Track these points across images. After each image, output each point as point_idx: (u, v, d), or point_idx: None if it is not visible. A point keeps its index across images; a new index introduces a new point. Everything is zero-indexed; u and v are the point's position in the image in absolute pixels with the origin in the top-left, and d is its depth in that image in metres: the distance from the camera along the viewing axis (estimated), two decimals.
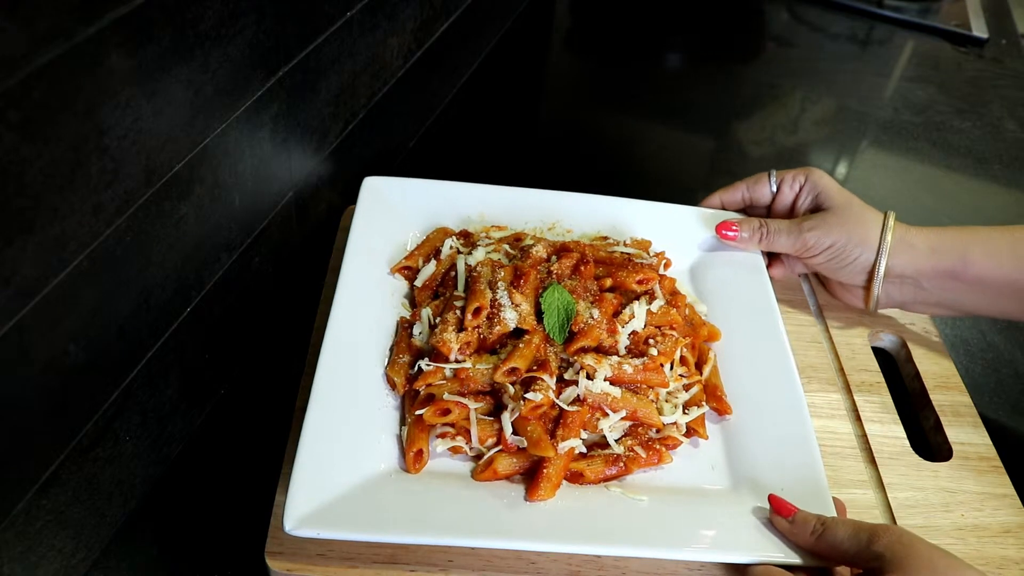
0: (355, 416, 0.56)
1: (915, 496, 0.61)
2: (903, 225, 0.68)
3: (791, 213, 0.75)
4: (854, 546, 0.48)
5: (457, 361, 0.58)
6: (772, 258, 0.76)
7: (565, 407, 0.56)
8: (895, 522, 0.59)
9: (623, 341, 0.61)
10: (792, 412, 0.60)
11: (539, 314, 0.61)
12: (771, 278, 0.72)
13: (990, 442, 0.66)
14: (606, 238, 0.73)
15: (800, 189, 0.73)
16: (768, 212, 0.77)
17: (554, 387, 0.57)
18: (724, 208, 0.78)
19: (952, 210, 1.02)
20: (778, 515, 0.52)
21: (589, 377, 0.58)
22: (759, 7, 1.49)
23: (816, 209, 0.72)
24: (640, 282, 0.66)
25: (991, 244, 0.65)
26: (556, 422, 0.56)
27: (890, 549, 0.47)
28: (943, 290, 0.68)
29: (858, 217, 0.69)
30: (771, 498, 0.53)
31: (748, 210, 0.78)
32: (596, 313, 0.61)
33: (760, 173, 0.76)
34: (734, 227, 0.73)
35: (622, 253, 0.70)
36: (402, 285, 0.68)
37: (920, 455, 0.65)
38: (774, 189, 0.75)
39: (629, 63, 1.27)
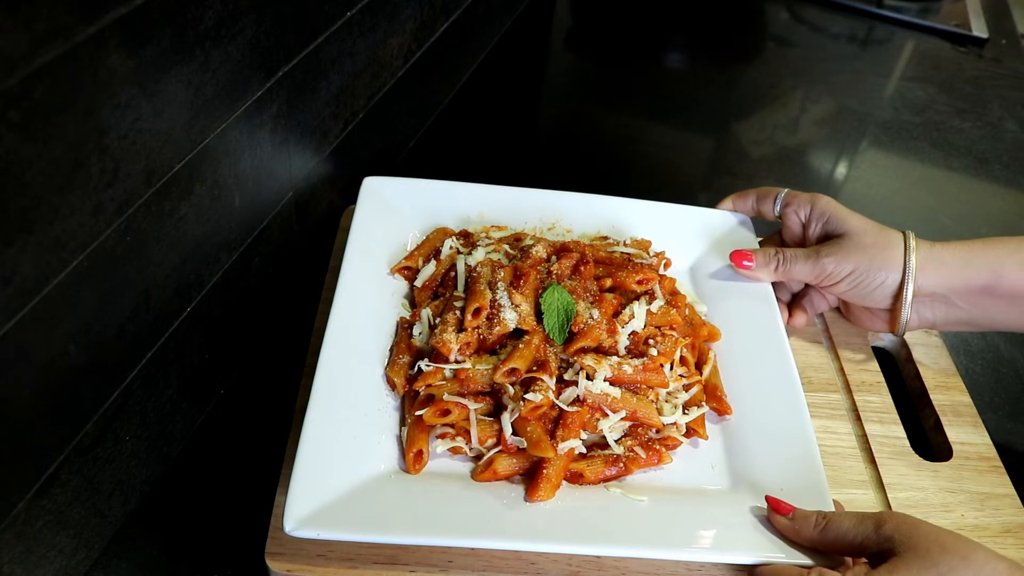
0: (355, 417, 0.56)
1: (915, 496, 0.61)
2: (927, 242, 0.65)
3: (802, 243, 0.72)
4: (860, 533, 0.49)
5: (457, 362, 0.58)
6: (792, 307, 0.73)
7: (565, 407, 0.56)
8: None
9: (623, 341, 0.61)
10: (792, 412, 0.60)
11: (539, 314, 0.61)
12: (793, 327, 0.71)
13: (990, 442, 0.66)
14: (606, 238, 0.73)
15: (807, 217, 0.70)
16: (781, 242, 0.75)
17: (554, 387, 0.57)
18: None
19: (952, 210, 1.01)
20: (777, 514, 0.52)
21: (589, 377, 0.58)
22: (759, 7, 1.49)
23: (828, 237, 0.69)
24: (640, 282, 0.66)
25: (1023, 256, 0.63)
26: (556, 423, 0.56)
27: (898, 531, 0.47)
28: (975, 306, 0.65)
29: (876, 239, 0.66)
30: (768, 499, 0.53)
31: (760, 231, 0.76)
32: (596, 313, 0.61)
33: (772, 188, 0.73)
34: (749, 257, 0.70)
35: (622, 253, 0.69)
36: (402, 285, 0.68)
37: (920, 455, 0.65)
38: (777, 211, 0.72)
39: (629, 63, 1.27)
